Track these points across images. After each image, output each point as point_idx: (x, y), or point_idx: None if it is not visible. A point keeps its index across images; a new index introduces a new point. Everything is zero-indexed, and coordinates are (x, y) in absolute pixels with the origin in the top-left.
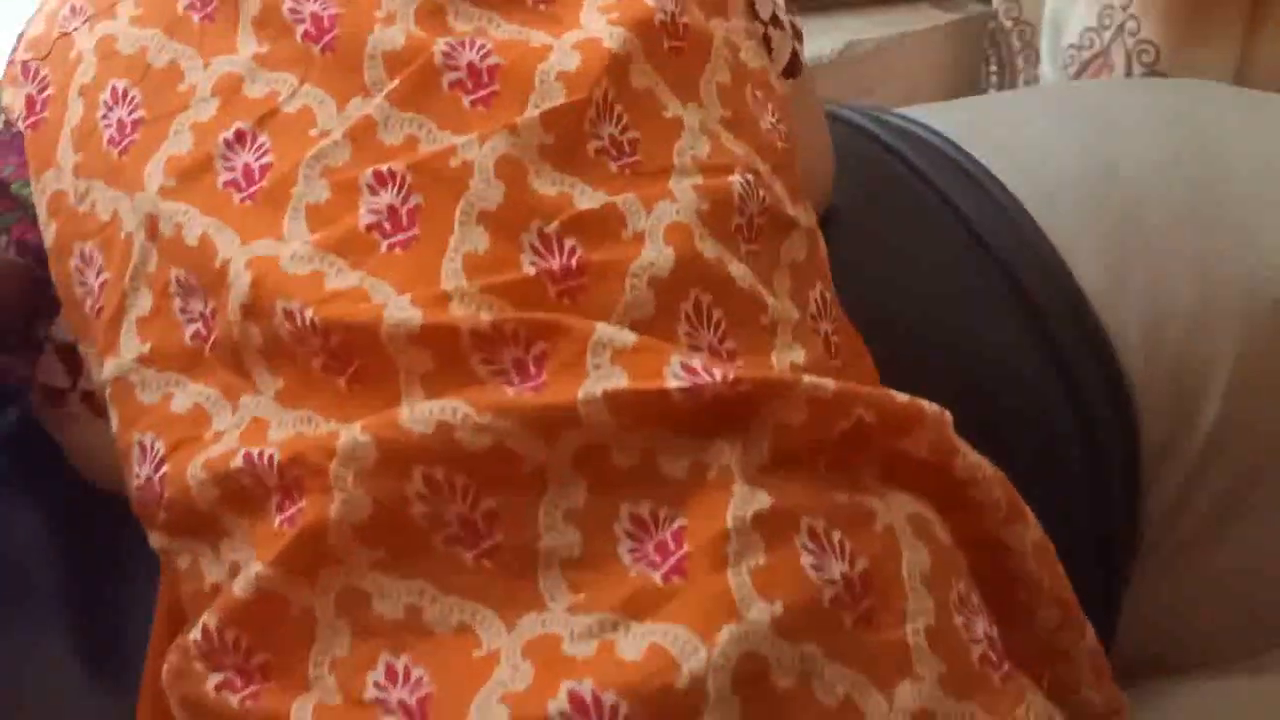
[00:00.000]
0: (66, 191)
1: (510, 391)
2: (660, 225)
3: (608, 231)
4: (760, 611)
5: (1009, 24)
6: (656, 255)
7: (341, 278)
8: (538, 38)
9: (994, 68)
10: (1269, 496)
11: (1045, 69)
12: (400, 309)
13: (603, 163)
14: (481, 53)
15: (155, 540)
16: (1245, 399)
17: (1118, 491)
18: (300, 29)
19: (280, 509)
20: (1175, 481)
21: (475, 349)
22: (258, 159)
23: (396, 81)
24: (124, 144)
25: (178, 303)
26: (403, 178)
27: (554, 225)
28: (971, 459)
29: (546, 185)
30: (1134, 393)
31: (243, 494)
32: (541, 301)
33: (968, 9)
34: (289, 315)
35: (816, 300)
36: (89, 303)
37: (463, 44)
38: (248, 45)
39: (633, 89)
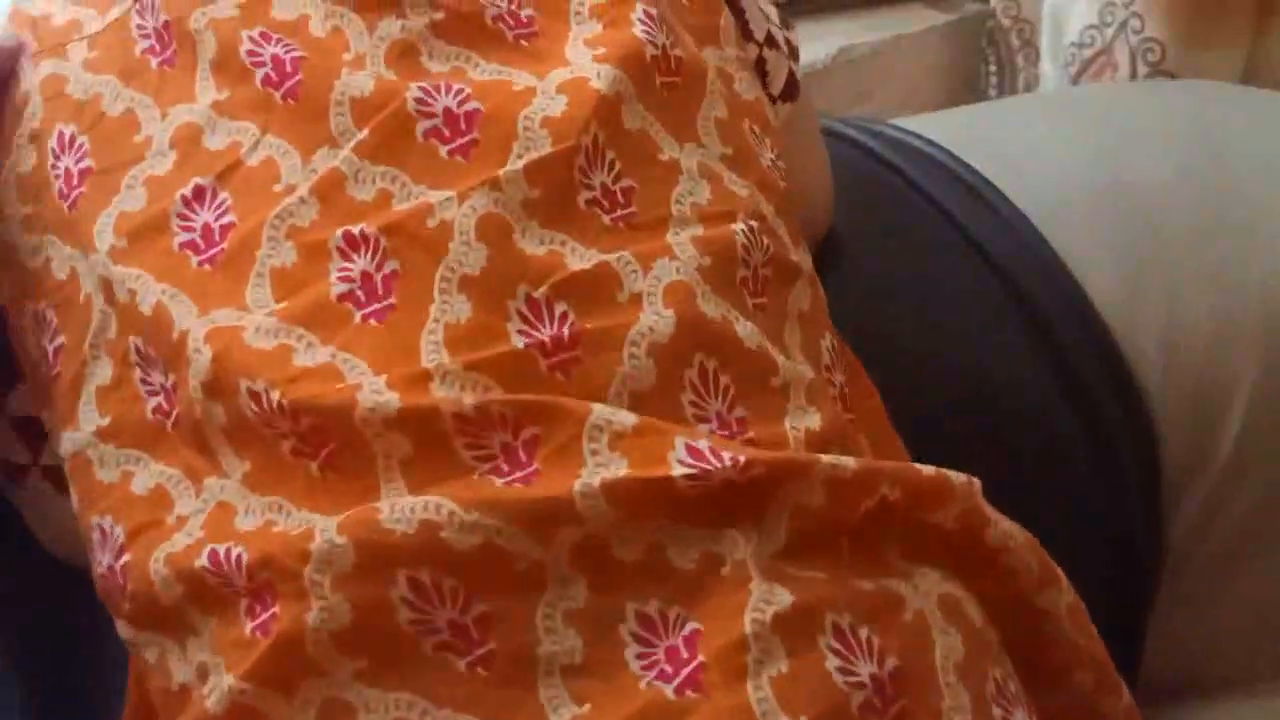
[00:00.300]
0: (16, 245)
1: (499, 482)
2: (659, 286)
3: (601, 295)
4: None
5: (1007, 22)
6: (656, 320)
7: (311, 353)
8: (521, 79)
9: (993, 67)
10: None
11: (1046, 67)
12: (376, 391)
13: (594, 215)
14: (459, 98)
15: (122, 630)
16: (1268, 412)
17: (1135, 495)
18: (260, 73)
19: (251, 614)
20: (1201, 496)
21: (459, 433)
22: (218, 218)
23: (365, 131)
24: (72, 196)
25: (138, 373)
26: (377, 241)
27: (543, 290)
28: (1003, 527)
29: (534, 244)
30: (1147, 399)
31: (209, 593)
32: (532, 377)
33: (964, 9)
34: (254, 395)
35: (828, 350)
36: (44, 368)
37: (438, 88)
38: (207, 92)
39: (625, 132)
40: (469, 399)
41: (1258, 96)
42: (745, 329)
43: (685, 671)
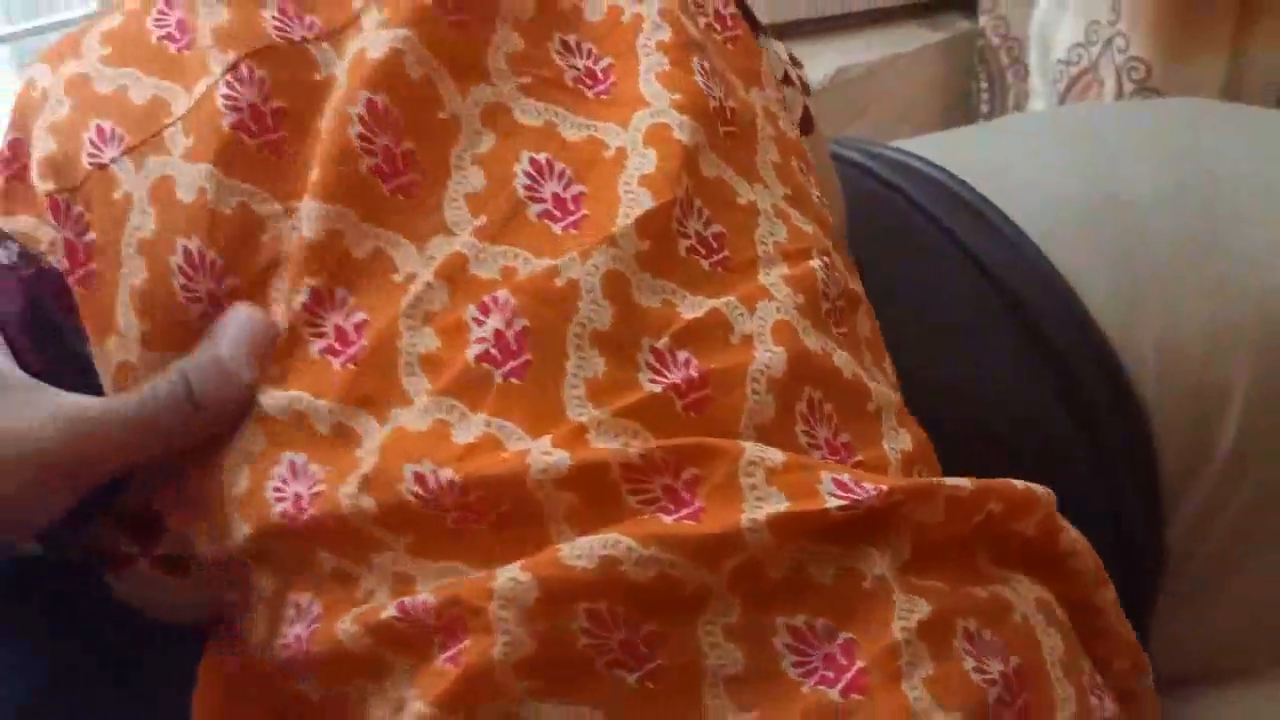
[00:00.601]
0: (135, 366)
1: (668, 520)
2: (766, 326)
3: (716, 339)
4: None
5: (997, 41)
6: (770, 357)
7: (465, 426)
8: (610, 136)
9: (984, 84)
10: None
11: (1035, 84)
12: (545, 453)
13: (695, 263)
14: (564, 182)
15: (309, 685)
16: (1264, 414)
17: (1133, 496)
18: (369, 162)
19: (443, 648)
20: (1199, 499)
21: (624, 480)
22: (347, 316)
23: (483, 218)
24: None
25: (274, 482)
26: (506, 301)
27: (664, 340)
28: (1072, 533)
29: (648, 297)
30: (1144, 404)
31: (401, 638)
32: (672, 418)
33: (955, 28)
34: (419, 478)
35: (891, 371)
36: (194, 473)
37: (543, 173)
38: (314, 174)
39: (705, 180)
40: (633, 450)
41: (1247, 112)
42: (841, 359)
43: (848, 676)
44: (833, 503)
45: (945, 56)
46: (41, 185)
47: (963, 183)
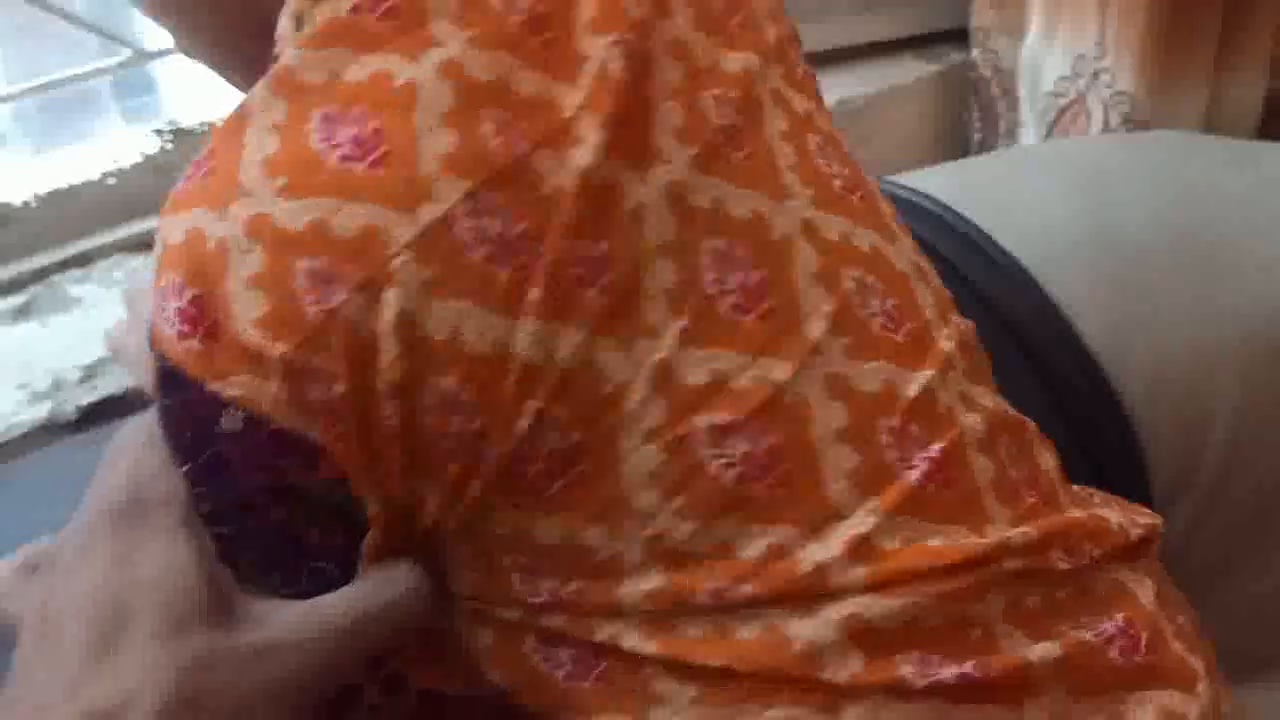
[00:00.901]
0: (399, 495)
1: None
2: (955, 396)
3: (929, 413)
4: (1199, 664)
5: (988, 73)
6: (973, 423)
7: (747, 541)
8: (771, 212)
9: (977, 114)
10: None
11: (1025, 114)
12: (843, 569)
13: (890, 339)
14: (744, 270)
15: None
16: (1247, 431)
17: (1131, 500)
18: (575, 271)
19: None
20: (1188, 509)
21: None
22: (561, 441)
23: (683, 320)
24: (471, 467)
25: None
26: (745, 424)
27: (895, 420)
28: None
29: (869, 382)
30: (1134, 421)
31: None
32: (927, 502)
33: (949, 59)
34: (716, 593)
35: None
36: None
37: (724, 262)
38: (533, 294)
39: (865, 255)
40: (892, 544)
41: (1231, 146)
42: (999, 403)
43: (1143, 642)
44: (1135, 532)
45: (940, 88)
46: (272, 348)
47: (961, 216)
